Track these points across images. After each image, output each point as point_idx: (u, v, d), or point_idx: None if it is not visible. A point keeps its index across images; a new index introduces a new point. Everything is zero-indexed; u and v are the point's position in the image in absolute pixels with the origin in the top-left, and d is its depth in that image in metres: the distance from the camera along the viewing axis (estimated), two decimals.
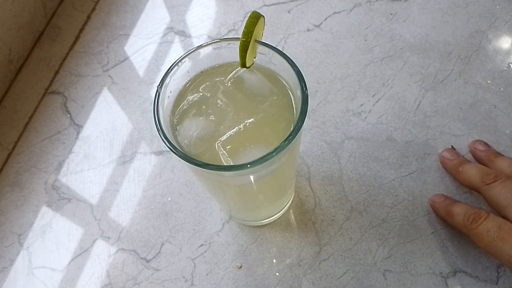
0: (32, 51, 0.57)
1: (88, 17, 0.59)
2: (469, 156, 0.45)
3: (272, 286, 0.41)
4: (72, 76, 0.55)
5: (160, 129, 0.29)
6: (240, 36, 0.30)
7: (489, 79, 0.49)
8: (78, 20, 0.59)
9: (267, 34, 0.46)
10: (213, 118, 0.31)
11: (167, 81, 0.31)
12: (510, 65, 0.49)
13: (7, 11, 0.51)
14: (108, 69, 0.55)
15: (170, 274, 0.42)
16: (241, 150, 0.30)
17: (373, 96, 0.49)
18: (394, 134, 0.47)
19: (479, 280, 0.39)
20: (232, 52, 0.32)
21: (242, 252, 0.43)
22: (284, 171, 0.34)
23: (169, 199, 0.46)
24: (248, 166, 0.26)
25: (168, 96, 0.32)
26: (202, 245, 0.43)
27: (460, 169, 0.42)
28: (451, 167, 0.43)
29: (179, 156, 0.27)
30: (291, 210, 0.44)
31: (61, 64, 0.56)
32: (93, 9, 0.59)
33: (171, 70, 0.31)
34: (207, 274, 0.42)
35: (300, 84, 0.29)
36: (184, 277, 0.42)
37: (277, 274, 0.41)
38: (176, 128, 0.31)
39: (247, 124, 0.30)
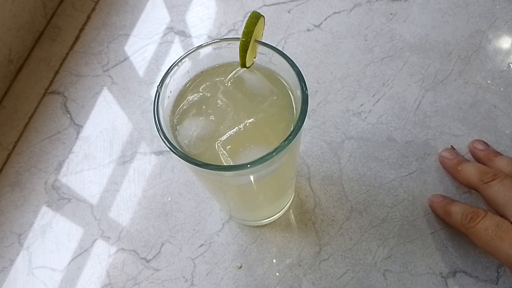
0: (32, 51, 0.57)
1: (88, 17, 0.59)
2: (469, 156, 0.45)
3: (272, 286, 0.41)
4: (72, 76, 0.55)
5: (160, 129, 0.29)
6: (240, 36, 0.30)
7: (489, 79, 0.49)
8: (78, 20, 0.59)
9: (267, 34, 0.46)
10: (213, 118, 0.31)
11: (167, 81, 0.31)
12: (510, 65, 0.49)
13: (7, 11, 0.51)
14: (108, 69, 0.55)
15: (170, 274, 0.42)
16: (241, 150, 0.30)
17: (373, 96, 0.49)
18: (394, 134, 0.47)
19: (479, 280, 0.39)
20: (232, 52, 0.32)
21: (242, 252, 0.43)
22: (284, 171, 0.34)
23: (169, 199, 0.46)
24: (248, 166, 0.26)
25: (168, 96, 0.32)
26: (202, 245, 0.43)
27: (459, 168, 0.42)
28: (450, 166, 0.43)
29: (179, 156, 0.27)
30: (291, 210, 0.44)
31: (61, 64, 0.56)
32: (93, 9, 0.59)
33: (171, 70, 0.31)
34: (207, 274, 0.42)
35: (300, 84, 0.29)
36: (184, 277, 0.42)
37: (277, 274, 0.41)
38: (176, 128, 0.31)
39: (247, 124, 0.30)
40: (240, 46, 0.30)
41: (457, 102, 0.48)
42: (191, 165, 0.27)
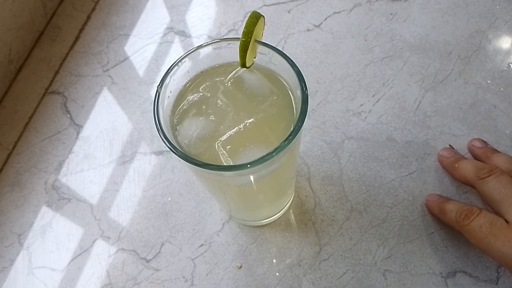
0: (32, 51, 0.57)
1: (88, 17, 0.59)
2: (468, 156, 0.45)
3: (272, 286, 0.41)
4: (72, 76, 0.55)
5: (160, 129, 0.29)
6: (240, 36, 0.30)
7: (489, 79, 0.49)
8: (78, 20, 0.59)
9: (267, 34, 0.46)
10: (213, 118, 0.31)
11: (167, 81, 0.31)
12: (510, 65, 0.49)
13: (7, 11, 0.51)
14: (108, 69, 0.55)
15: (170, 274, 0.42)
16: (241, 150, 0.30)
17: (373, 96, 0.49)
18: (394, 134, 0.47)
19: (479, 280, 0.39)
20: (232, 52, 0.32)
21: (242, 252, 0.43)
22: (284, 171, 0.34)
23: (169, 199, 0.46)
24: (248, 166, 0.26)
25: (168, 96, 0.32)
26: (202, 245, 0.43)
27: (456, 165, 0.42)
28: (448, 164, 0.43)
29: (179, 156, 0.28)
30: (291, 210, 0.44)
31: (61, 64, 0.56)
32: (93, 9, 0.59)
33: (171, 70, 0.31)
34: (207, 274, 0.42)
35: (300, 84, 0.29)
36: (184, 277, 0.42)
37: (277, 274, 0.41)
38: (176, 128, 0.31)
39: (247, 124, 0.30)
40: (240, 46, 0.30)
41: (457, 102, 0.48)
42: (191, 165, 0.27)
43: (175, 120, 0.32)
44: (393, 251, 0.41)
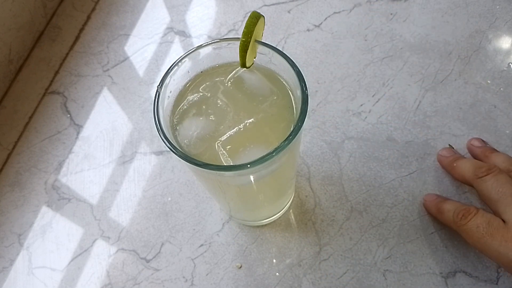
0: (32, 51, 0.57)
1: (88, 17, 0.59)
2: (468, 156, 0.45)
3: (272, 286, 0.41)
4: (72, 76, 0.55)
5: (160, 129, 0.29)
6: (240, 36, 0.30)
7: (489, 79, 0.49)
8: (78, 20, 0.59)
9: (267, 34, 0.46)
10: (213, 118, 0.31)
11: (167, 81, 0.31)
12: (510, 65, 0.49)
13: (7, 11, 0.51)
14: (108, 69, 0.55)
15: (170, 274, 0.42)
16: (241, 150, 0.30)
17: (373, 96, 0.49)
18: (394, 134, 0.47)
19: (479, 280, 0.39)
20: (232, 52, 0.32)
21: (242, 252, 0.43)
22: (284, 171, 0.34)
23: (169, 199, 0.46)
24: (248, 166, 0.26)
25: (168, 96, 0.32)
26: (202, 245, 0.43)
27: (455, 165, 0.42)
28: (447, 164, 0.43)
29: (179, 156, 0.28)
30: (291, 210, 0.44)
31: (61, 64, 0.56)
32: (93, 9, 0.59)
33: (171, 70, 0.31)
34: (207, 274, 0.42)
35: (300, 84, 0.29)
36: (184, 277, 0.42)
37: (277, 274, 0.41)
38: (176, 128, 0.31)
39: (247, 124, 0.30)
40: (240, 46, 0.30)
41: (457, 102, 0.48)
42: (191, 165, 0.27)
43: (175, 120, 0.32)
44: (393, 251, 0.41)
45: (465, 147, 0.45)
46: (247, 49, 0.30)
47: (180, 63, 0.31)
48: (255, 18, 0.30)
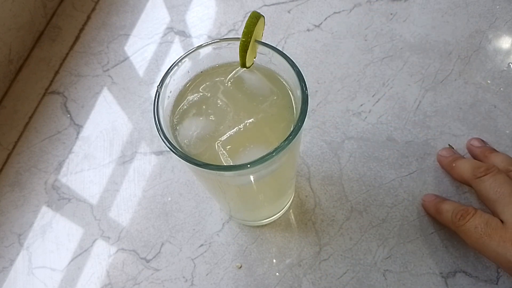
0: (32, 51, 0.57)
1: (88, 17, 0.59)
2: (468, 156, 0.45)
3: (272, 286, 0.41)
4: (72, 76, 0.55)
5: (160, 129, 0.29)
6: (240, 36, 0.30)
7: (489, 79, 0.49)
8: (78, 20, 0.59)
9: (267, 34, 0.46)
10: (213, 118, 0.31)
11: (167, 81, 0.31)
12: (510, 65, 0.49)
13: (7, 11, 0.51)
14: (108, 69, 0.55)
15: (170, 274, 0.42)
16: (241, 150, 0.30)
17: (373, 96, 0.49)
18: (394, 134, 0.47)
19: (479, 280, 0.39)
20: (232, 52, 0.32)
21: (242, 252, 0.43)
22: (284, 171, 0.34)
23: (169, 199, 0.46)
24: (248, 166, 0.26)
25: (168, 96, 0.32)
26: (202, 245, 0.43)
27: (454, 165, 0.42)
28: (446, 164, 0.43)
29: (179, 156, 0.28)
30: (291, 210, 0.44)
31: (61, 64, 0.56)
32: (93, 9, 0.60)
33: (171, 70, 0.31)
34: (207, 274, 0.42)
35: (300, 84, 0.29)
36: (184, 277, 0.42)
37: (277, 274, 0.41)
38: (176, 128, 0.31)
39: (247, 124, 0.30)
40: (240, 46, 0.30)
41: (457, 102, 0.48)
42: (191, 165, 0.27)
43: (175, 120, 0.32)
44: (393, 251, 0.41)
45: (465, 147, 0.45)
46: (247, 49, 0.30)
47: (180, 63, 0.31)
48: (255, 18, 0.30)
